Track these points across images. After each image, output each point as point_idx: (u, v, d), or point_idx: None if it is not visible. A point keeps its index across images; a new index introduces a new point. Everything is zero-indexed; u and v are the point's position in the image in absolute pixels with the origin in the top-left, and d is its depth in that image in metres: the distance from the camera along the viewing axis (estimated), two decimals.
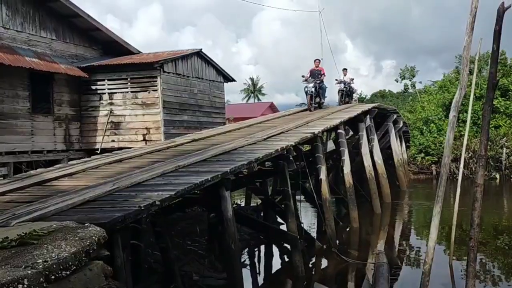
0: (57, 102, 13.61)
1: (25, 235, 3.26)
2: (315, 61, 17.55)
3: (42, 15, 13.36)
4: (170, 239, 7.66)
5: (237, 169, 7.07)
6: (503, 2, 6.26)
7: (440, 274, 8.49)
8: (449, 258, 9.28)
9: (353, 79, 19.64)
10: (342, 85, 19.10)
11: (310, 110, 16.65)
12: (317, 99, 17.09)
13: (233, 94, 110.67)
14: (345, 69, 19.83)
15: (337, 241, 11.07)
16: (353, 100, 20.73)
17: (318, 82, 16.79)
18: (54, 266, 2.81)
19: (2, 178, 10.74)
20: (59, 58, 13.60)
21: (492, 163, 23.68)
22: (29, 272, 2.65)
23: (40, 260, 2.81)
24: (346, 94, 19.36)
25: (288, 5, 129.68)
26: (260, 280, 9.78)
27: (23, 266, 2.73)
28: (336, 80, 19.26)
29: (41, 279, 2.68)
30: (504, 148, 23.84)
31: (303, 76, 16.87)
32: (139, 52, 16.06)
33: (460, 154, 10.26)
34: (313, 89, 16.55)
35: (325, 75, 17.30)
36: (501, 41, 6.31)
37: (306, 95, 17.05)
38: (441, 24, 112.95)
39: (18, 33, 12.62)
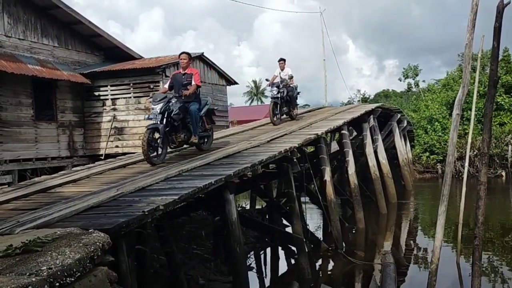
0: (61, 109, 13.66)
1: (29, 242, 3.26)
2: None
3: (44, 22, 13.42)
4: (175, 244, 7.66)
5: (241, 172, 7.06)
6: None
7: (448, 273, 8.44)
8: (456, 257, 9.23)
9: (292, 76, 13.79)
10: (275, 90, 13.05)
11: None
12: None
13: (236, 97, 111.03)
14: (282, 60, 13.78)
15: (343, 242, 11.03)
16: (295, 110, 14.46)
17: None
18: (59, 273, 2.80)
19: (7, 185, 10.78)
20: (62, 65, 13.65)
21: (497, 161, 23.58)
22: (34, 279, 2.65)
23: (45, 267, 2.80)
24: (285, 100, 13.56)
25: (288, 7, 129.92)
26: (267, 283, 9.75)
27: (28, 274, 2.73)
28: (266, 80, 13.58)
29: (46, 286, 2.67)
30: (510, 146, 23.73)
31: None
32: (141, 57, 16.10)
33: (465, 152, 10.21)
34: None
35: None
36: (506, 38, 6.30)
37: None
38: (443, 22, 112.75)
39: (20, 41, 12.69)
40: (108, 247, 3.48)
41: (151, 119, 8.20)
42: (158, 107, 8.17)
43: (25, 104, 12.51)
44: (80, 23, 14.03)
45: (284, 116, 14.04)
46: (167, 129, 8.16)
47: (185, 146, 9.08)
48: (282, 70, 13.66)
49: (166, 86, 8.99)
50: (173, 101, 8.33)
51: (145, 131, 8.11)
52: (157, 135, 8.04)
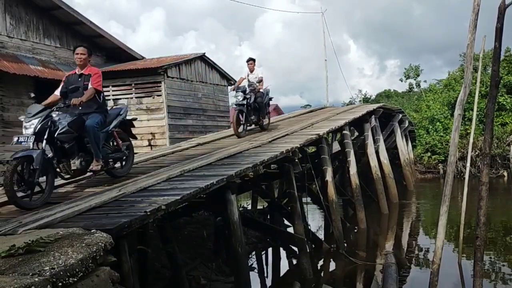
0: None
1: (32, 242, 3.27)
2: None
3: (45, 23, 13.45)
4: (177, 244, 7.66)
5: (243, 172, 7.07)
6: (503, 0, 6.26)
7: (449, 273, 8.44)
8: (458, 257, 9.22)
9: (261, 79, 11.75)
10: (240, 95, 11.09)
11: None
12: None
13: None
14: (250, 60, 11.87)
15: (345, 243, 11.03)
16: (266, 119, 12.26)
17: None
18: (61, 273, 2.82)
19: None
20: (64, 65, 13.67)
21: (499, 161, 23.55)
22: (37, 279, 2.66)
23: (47, 268, 2.82)
24: (253, 108, 11.44)
25: (290, 7, 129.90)
26: (268, 283, 9.76)
27: (31, 274, 2.75)
28: (230, 85, 12.03)
29: (49, 286, 2.69)
30: (511, 146, 23.69)
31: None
32: (143, 57, 16.12)
33: (467, 153, 10.21)
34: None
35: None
36: (508, 39, 6.31)
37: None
38: (444, 22, 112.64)
39: (22, 42, 12.71)
40: (111, 247, 3.50)
41: (20, 143, 5.72)
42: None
43: (27, 105, 12.47)
44: (82, 24, 14.06)
45: (253, 126, 12.14)
46: (49, 156, 5.78)
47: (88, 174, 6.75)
48: (251, 71, 11.78)
49: (57, 92, 6.65)
50: (55, 115, 6.06)
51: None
52: (33, 166, 5.47)
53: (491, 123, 6.50)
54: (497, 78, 6.39)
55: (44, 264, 2.88)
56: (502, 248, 10.97)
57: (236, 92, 11.17)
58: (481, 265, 6.56)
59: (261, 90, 11.67)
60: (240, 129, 11.26)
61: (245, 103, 11.05)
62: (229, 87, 17.84)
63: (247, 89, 11.35)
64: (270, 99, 12.43)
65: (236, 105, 11.29)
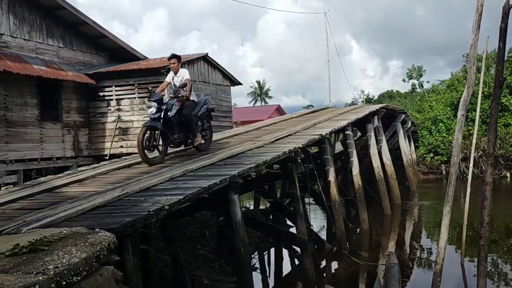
0: (66, 109, 13.72)
1: (36, 241, 3.28)
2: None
3: (49, 23, 13.49)
4: (180, 244, 7.67)
5: (245, 172, 7.07)
6: (508, 0, 6.24)
7: (452, 274, 8.42)
8: (460, 258, 9.21)
9: (185, 85, 8.56)
10: (153, 106, 8.09)
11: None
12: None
13: (240, 98, 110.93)
14: (173, 58, 8.80)
15: (347, 243, 11.02)
16: (199, 137, 8.91)
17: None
18: (65, 272, 2.82)
19: (12, 185, 10.83)
20: (67, 65, 13.71)
21: (502, 162, 23.49)
22: (41, 278, 2.67)
23: (51, 266, 2.83)
24: (178, 123, 8.51)
25: (292, 7, 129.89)
26: (271, 283, 9.76)
27: (35, 273, 2.75)
28: (149, 91, 8.68)
29: (53, 285, 2.70)
30: None
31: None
32: (146, 57, 16.14)
33: (470, 153, 10.18)
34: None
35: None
36: (509, 39, 6.30)
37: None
38: (447, 22, 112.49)
39: (25, 42, 12.75)
40: (114, 247, 3.50)
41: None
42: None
43: (30, 105, 12.56)
44: (85, 24, 14.10)
45: (183, 147, 9.29)
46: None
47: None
48: (175, 73, 8.79)
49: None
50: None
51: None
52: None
53: (495, 123, 6.50)
54: (501, 78, 6.38)
55: (48, 263, 2.89)
56: (505, 249, 10.94)
57: (148, 101, 8.23)
58: (485, 265, 6.55)
59: (192, 99, 8.70)
60: (152, 153, 8.32)
61: (161, 116, 8.05)
62: (231, 88, 17.88)
63: (166, 97, 8.85)
64: (212, 110, 9.91)
65: (151, 119, 8.08)
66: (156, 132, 8.15)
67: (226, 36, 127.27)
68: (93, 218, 4.58)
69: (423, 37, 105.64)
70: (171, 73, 8.96)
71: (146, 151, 8.00)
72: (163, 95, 8.57)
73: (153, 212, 4.68)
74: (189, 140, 8.87)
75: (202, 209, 10.08)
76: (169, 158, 8.78)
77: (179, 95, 8.45)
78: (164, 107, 8.17)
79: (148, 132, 8.05)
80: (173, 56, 8.81)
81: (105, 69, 14.41)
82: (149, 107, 8.17)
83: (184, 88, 8.52)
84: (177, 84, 8.74)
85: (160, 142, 8.43)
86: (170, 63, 8.86)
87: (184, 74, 8.80)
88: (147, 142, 8.01)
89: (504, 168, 23.58)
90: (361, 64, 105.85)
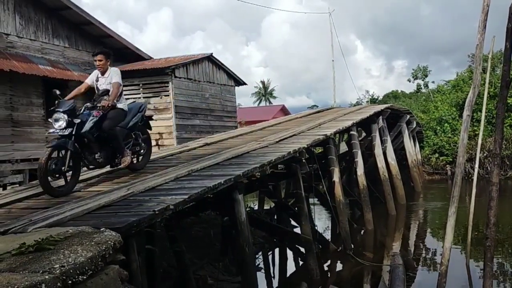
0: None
1: (42, 240, 3.30)
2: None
3: (54, 23, 13.54)
4: (184, 243, 7.69)
5: (250, 172, 7.07)
6: None
7: (457, 275, 8.40)
8: (466, 259, 9.17)
9: (108, 91, 6.58)
10: (61, 119, 6.05)
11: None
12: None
13: (244, 98, 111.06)
14: (99, 54, 6.85)
15: (352, 244, 11.00)
16: (127, 156, 6.86)
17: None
18: (71, 271, 2.83)
19: (18, 185, 10.88)
20: (72, 65, 13.76)
21: (508, 163, 23.35)
22: (47, 277, 2.68)
23: (57, 265, 2.84)
24: (98, 139, 6.47)
25: (297, 7, 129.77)
26: (275, 283, 9.76)
27: (41, 271, 2.76)
28: (55, 94, 6.41)
29: (59, 284, 2.71)
30: None
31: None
32: (150, 57, 16.18)
33: (475, 154, 10.14)
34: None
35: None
36: None
37: None
38: (452, 22, 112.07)
39: (31, 42, 12.81)
40: (120, 246, 3.51)
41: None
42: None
43: (36, 104, 12.61)
44: (90, 24, 14.14)
45: (109, 168, 7.16)
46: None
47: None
48: (102, 73, 6.87)
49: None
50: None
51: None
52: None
53: (501, 124, 6.47)
54: (508, 78, 6.35)
55: (54, 262, 2.90)
56: (510, 250, 10.89)
57: (55, 112, 6.13)
58: (491, 266, 6.52)
59: (119, 107, 6.77)
60: (58, 181, 6.09)
61: (72, 133, 6.05)
62: (236, 88, 17.89)
63: (80, 106, 6.55)
64: (150, 117, 8.10)
65: (59, 136, 6.09)
66: (66, 153, 6.03)
67: (230, 36, 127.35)
68: (98, 217, 4.59)
69: (429, 37, 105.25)
70: (95, 73, 7.00)
71: (50, 178, 5.89)
72: (75, 104, 6.34)
73: (158, 211, 4.69)
74: (116, 160, 6.87)
75: (206, 209, 10.09)
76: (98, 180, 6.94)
77: (98, 105, 6.44)
78: (77, 120, 6.09)
79: (55, 153, 6.04)
80: (100, 51, 6.98)
81: None
82: (56, 120, 6.07)
83: (107, 96, 6.52)
84: (104, 86, 6.78)
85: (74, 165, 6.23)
86: (95, 60, 6.88)
87: (113, 75, 6.79)
88: (54, 166, 5.88)
89: (510, 169, 23.44)
90: (366, 64, 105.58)
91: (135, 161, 7.40)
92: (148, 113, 14.39)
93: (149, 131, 7.90)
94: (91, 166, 6.70)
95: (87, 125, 6.25)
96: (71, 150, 6.06)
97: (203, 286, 7.75)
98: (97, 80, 6.97)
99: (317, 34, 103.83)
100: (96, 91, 6.83)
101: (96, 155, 6.51)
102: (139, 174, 7.12)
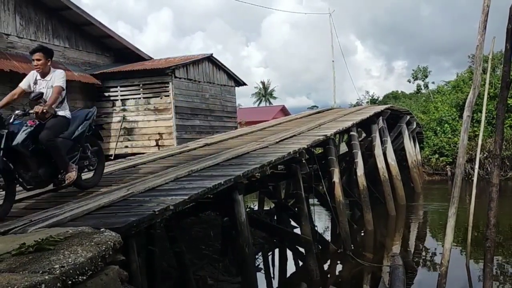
0: (71, 109, 13.75)
1: (41, 241, 3.30)
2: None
3: (54, 23, 13.55)
4: (184, 244, 7.68)
5: (250, 173, 7.07)
6: None
7: (457, 276, 8.39)
8: (466, 259, 9.17)
9: (41, 94, 5.59)
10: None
11: None
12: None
13: (244, 98, 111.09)
14: (38, 52, 5.69)
15: (352, 244, 11.00)
16: (73, 171, 5.60)
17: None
18: (71, 271, 2.83)
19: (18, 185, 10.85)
20: (72, 65, 13.77)
21: (508, 163, 23.35)
22: (47, 277, 2.68)
23: (57, 266, 2.84)
24: (36, 153, 5.28)
25: (297, 8, 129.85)
26: (275, 284, 9.76)
27: (41, 272, 2.76)
28: (238, 84, 5.66)
29: (58, 284, 2.71)
30: None
31: None
32: (151, 58, 16.19)
33: (475, 155, 10.14)
34: None
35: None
36: None
37: None
38: (452, 23, 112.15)
39: (31, 42, 12.80)
40: (119, 246, 3.51)
41: None
42: None
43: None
44: (90, 24, 14.16)
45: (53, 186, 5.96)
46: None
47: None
48: (42, 76, 5.86)
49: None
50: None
51: None
52: None
53: (501, 124, 6.47)
54: (508, 79, 6.35)
55: (54, 262, 2.90)
56: (510, 251, 10.88)
57: None
58: (491, 267, 6.52)
59: (61, 114, 5.84)
60: None
61: (1, 147, 4.97)
62: (236, 88, 17.89)
63: (11, 115, 5.38)
64: (100, 126, 7.53)
65: None
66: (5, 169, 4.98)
67: (230, 36, 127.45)
68: (98, 218, 4.59)
69: (429, 37, 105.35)
70: (32, 75, 5.94)
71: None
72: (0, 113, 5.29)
73: (158, 212, 4.69)
74: (60, 176, 5.65)
75: (206, 209, 10.09)
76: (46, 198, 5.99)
77: (30, 112, 5.45)
78: (4, 130, 5.04)
79: None
80: (38, 48, 5.83)
81: (110, 70, 14.46)
82: None
83: (42, 101, 5.56)
84: (43, 89, 5.83)
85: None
86: (33, 59, 5.77)
87: (56, 78, 5.80)
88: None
89: (510, 170, 23.43)
90: (366, 64, 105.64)
91: (84, 177, 6.32)
92: (146, 113, 14.46)
93: (101, 142, 6.95)
94: (28, 186, 5.40)
95: (19, 137, 5.10)
96: (14, 148, 5.03)
97: (203, 286, 7.75)
98: (35, 83, 5.88)
99: (317, 35, 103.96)
100: (34, 94, 5.67)
101: (32, 172, 5.26)
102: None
